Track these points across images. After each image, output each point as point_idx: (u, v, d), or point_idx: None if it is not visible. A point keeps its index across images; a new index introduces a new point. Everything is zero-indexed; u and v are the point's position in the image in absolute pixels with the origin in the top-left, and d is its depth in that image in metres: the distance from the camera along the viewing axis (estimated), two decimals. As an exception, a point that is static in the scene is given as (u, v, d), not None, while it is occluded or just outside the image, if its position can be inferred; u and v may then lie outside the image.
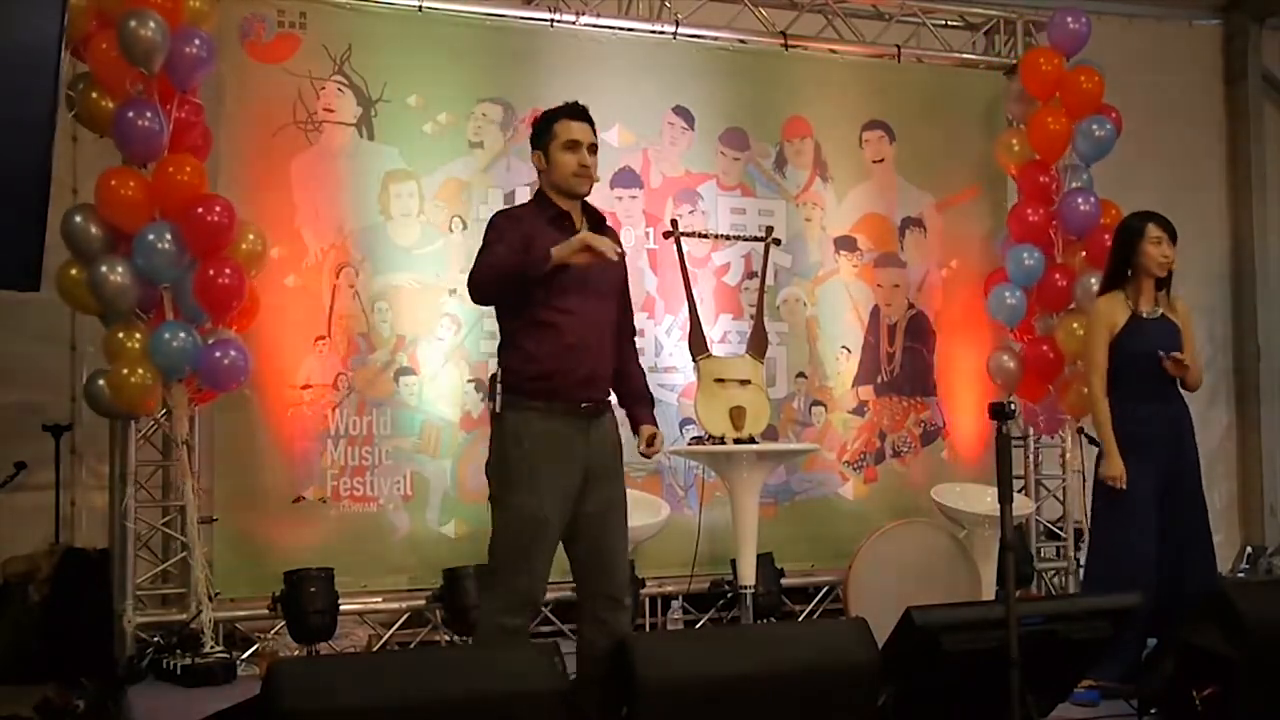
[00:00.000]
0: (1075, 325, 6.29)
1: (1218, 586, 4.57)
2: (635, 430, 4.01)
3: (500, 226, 3.87)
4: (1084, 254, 6.50)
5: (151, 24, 4.90)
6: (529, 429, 3.75)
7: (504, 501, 3.80)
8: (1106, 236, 6.36)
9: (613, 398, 3.97)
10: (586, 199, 3.93)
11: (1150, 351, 4.71)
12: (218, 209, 5.06)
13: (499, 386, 3.80)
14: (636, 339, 4.13)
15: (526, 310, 3.76)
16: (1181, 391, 4.84)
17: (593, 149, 3.88)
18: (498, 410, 3.80)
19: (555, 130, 3.85)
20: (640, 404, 4.04)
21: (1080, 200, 6.47)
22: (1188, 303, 4.79)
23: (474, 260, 3.84)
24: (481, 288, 3.80)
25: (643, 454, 3.98)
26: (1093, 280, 6.26)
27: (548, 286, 3.70)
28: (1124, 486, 4.66)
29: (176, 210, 5.03)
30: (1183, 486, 4.74)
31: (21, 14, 4.83)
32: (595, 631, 3.81)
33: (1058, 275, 6.46)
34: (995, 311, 6.52)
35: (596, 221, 3.93)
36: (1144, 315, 4.78)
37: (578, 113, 3.88)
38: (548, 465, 3.74)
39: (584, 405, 3.81)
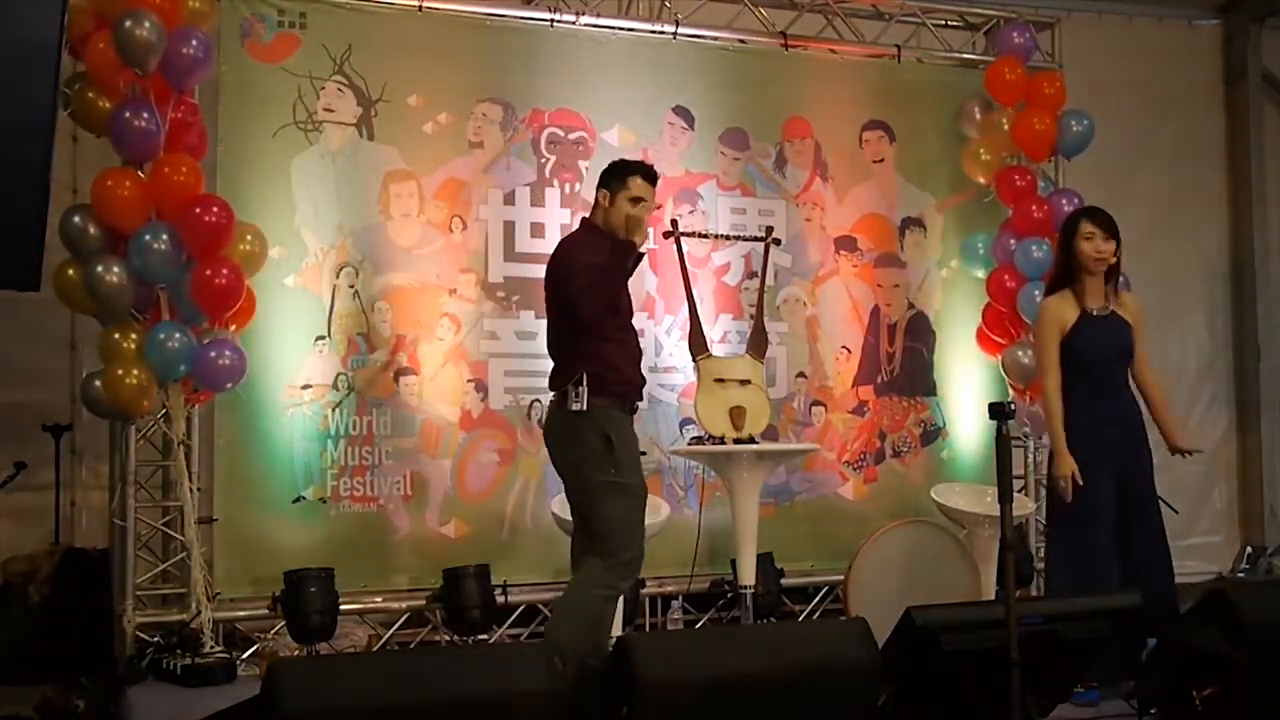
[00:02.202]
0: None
1: (1172, 590, 4.59)
2: None
3: (584, 260, 4.44)
4: None
5: (147, 24, 4.89)
6: (615, 422, 4.41)
7: (620, 484, 4.37)
8: None
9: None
10: None
11: (1100, 350, 4.71)
12: (215, 209, 5.06)
13: (583, 389, 4.36)
14: (638, 339, 4.74)
15: (606, 329, 4.44)
16: (1136, 392, 4.81)
17: (648, 208, 4.57)
18: (584, 408, 4.37)
19: (628, 183, 4.51)
20: None
21: (1064, 201, 6.52)
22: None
23: (578, 281, 4.39)
24: (600, 294, 4.40)
25: None
26: None
27: (619, 310, 4.49)
28: (1079, 483, 4.57)
29: (173, 211, 5.03)
30: (1137, 488, 4.68)
31: (22, 14, 4.83)
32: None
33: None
34: (1026, 312, 6.49)
35: None
36: (1093, 313, 4.74)
37: (651, 174, 4.59)
38: (637, 449, 4.46)
39: (638, 404, 4.61)
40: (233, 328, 5.27)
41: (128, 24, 4.88)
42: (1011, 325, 6.63)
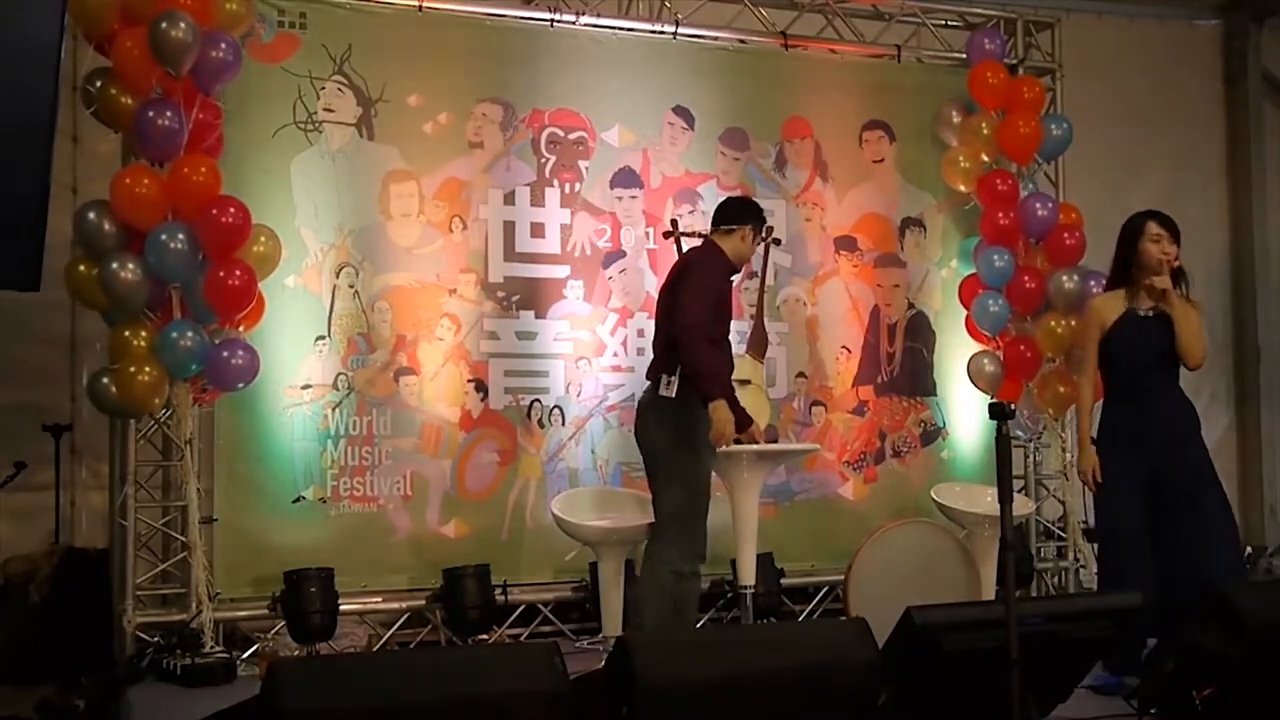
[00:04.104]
0: (1054, 324, 6.32)
1: (1223, 587, 4.56)
2: None
3: (716, 276, 4.87)
4: (1043, 256, 6.53)
5: (183, 25, 4.89)
6: (696, 415, 4.68)
7: (694, 465, 4.72)
8: (1065, 236, 6.36)
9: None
10: None
11: (1132, 352, 4.72)
12: (232, 210, 5.05)
13: (675, 379, 4.71)
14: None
15: (711, 331, 4.74)
16: (1180, 389, 4.80)
17: None
18: (672, 396, 4.72)
19: (759, 227, 5.02)
20: None
21: (1038, 205, 6.49)
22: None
23: (697, 294, 4.73)
24: (707, 356, 4.72)
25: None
26: (1064, 278, 6.29)
27: (721, 317, 4.82)
28: (1098, 480, 4.73)
29: (191, 211, 5.02)
30: (1180, 486, 4.67)
31: (21, 14, 4.83)
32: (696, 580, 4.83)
33: (1026, 277, 6.48)
34: (980, 322, 6.53)
35: None
36: (1139, 314, 4.76)
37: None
38: (707, 443, 4.69)
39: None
40: (241, 328, 5.27)
41: (164, 25, 4.87)
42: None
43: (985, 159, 6.62)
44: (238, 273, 5.08)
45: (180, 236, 4.98)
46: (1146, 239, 4.76)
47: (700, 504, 4.75)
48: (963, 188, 6.69)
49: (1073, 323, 6.21)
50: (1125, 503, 4.70)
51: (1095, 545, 5.13)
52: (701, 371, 4.69)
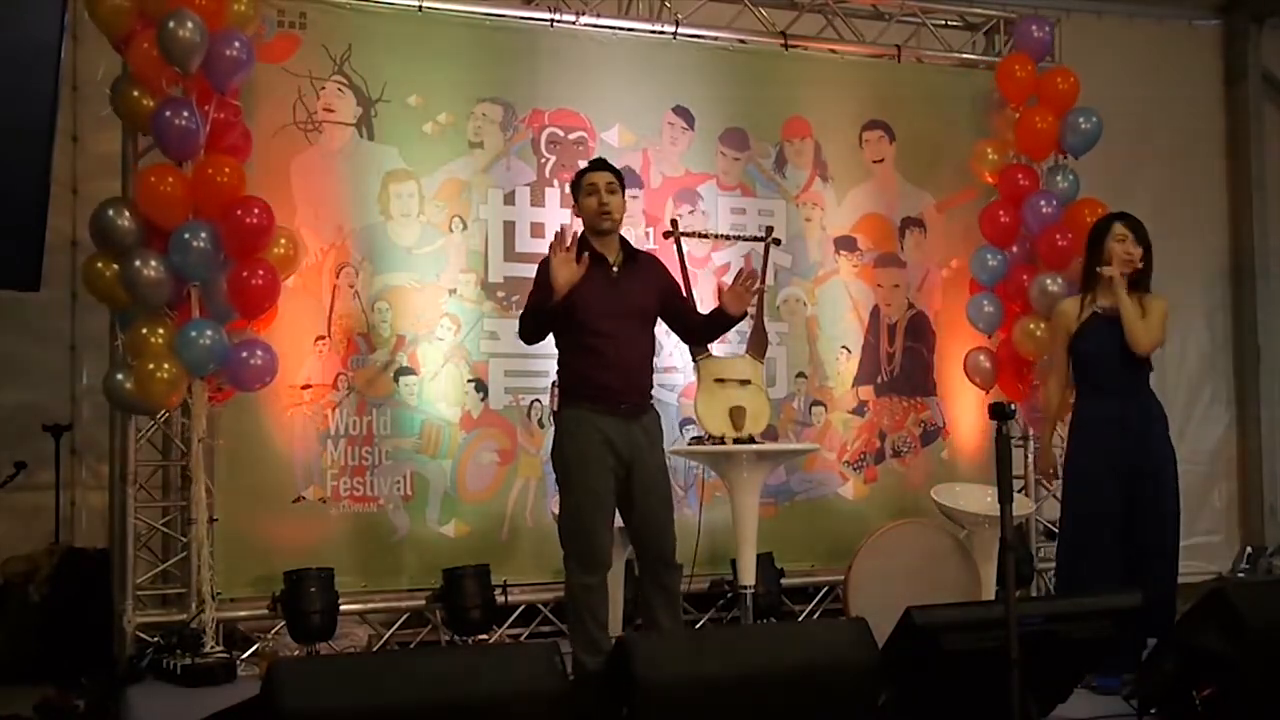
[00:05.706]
0: (1032, 325, 6.32)
1: (1171, 592, 4.65)
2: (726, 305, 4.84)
3: (539, 273, 4.63)
4: (1040, 255, 6.51)
5: (190, 24, 4.88)
6: (581, 424, 4.59)
7: (567, 483, 4.64)
8: (1057, 237, 6.34)
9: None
10: (626, 238, 4.83)
11: (1101, 350, 4.75)
12: (256, 211, 5.05)
13: (556, 391, 4.71)
14: (628, 342, 4.75)
15: (571, 337, 4.63)
16: (1150, 389, 4.84)
17: (610, 189, 4.67)
18: (556, 409, 4.71)
19: (581, 183, 4.73)
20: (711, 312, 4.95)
21: (1042, 202, 6.43)
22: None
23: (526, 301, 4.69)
24: (524, 329, 4.67)
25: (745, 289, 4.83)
26: (1048, 281, 6.28)
27: (585, 318, 4.54)
28: (1052, 477, 4.90)
29: (215, 210, 5.02)
30: (1145, 487, 4.71)
31: (22, 15, 4.84)
32: (652, 587, 4.71)
33: (1025, 277, 6.46)
34: (975, 319, 6.53)
35: (630, 255, 4.77)
36: (1104, 313, 4.78)
37: (596, 164, 4.80)
38: (596, 451, 4.56)
39: (623, 406, 4.63)
40: (254, 328, 5.26)
41: (170, 24, 4.86)
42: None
43: (1011, 154, 6.61)
44: (261, 272, 5.08)
45: (203, 235, 4.96)
46: (1112, 238, 4.79)
47: (579, 517, 4.61)
48: (989, 179, 6.66)
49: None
50: (1100, 499, 4.72)
51: (1058, 540, 5.11)
52: (525, 322, 4.67)
